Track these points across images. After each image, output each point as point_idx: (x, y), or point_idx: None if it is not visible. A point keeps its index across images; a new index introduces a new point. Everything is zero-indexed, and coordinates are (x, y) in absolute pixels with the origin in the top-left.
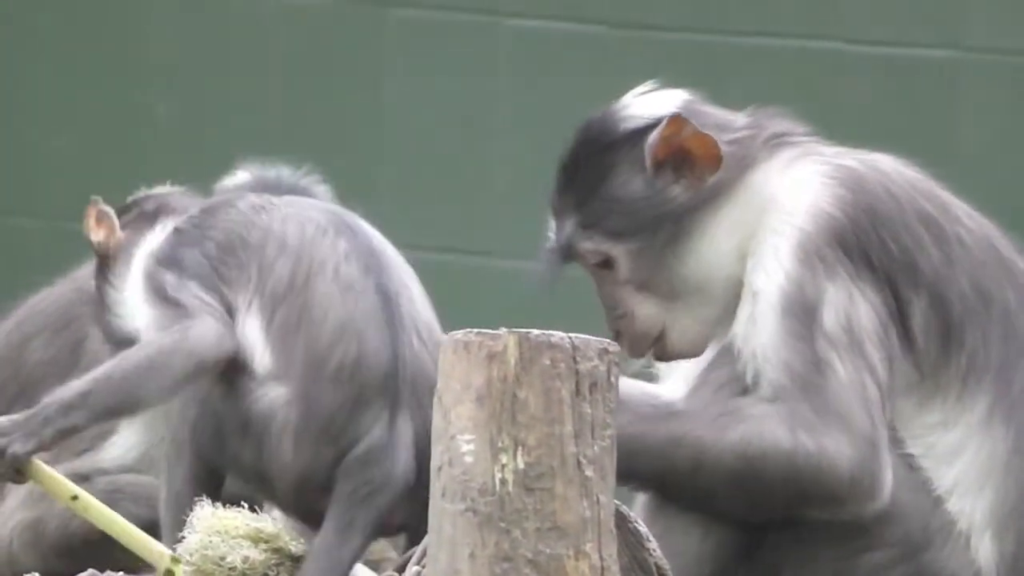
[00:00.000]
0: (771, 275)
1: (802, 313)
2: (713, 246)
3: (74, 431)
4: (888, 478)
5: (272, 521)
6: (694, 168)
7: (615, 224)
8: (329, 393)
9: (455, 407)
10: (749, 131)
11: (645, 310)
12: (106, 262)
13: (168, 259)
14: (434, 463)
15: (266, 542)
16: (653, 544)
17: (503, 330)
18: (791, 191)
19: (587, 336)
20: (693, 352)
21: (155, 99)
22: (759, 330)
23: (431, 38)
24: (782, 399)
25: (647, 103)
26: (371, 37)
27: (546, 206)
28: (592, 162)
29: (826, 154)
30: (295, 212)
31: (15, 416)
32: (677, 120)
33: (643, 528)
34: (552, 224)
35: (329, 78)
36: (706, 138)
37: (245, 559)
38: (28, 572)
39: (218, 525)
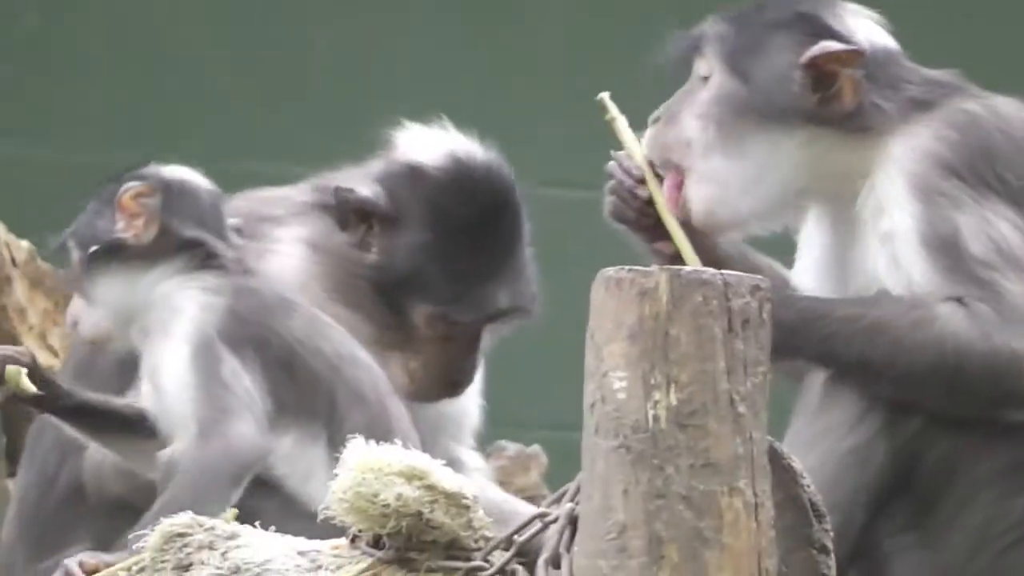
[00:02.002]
0: (896, 219)
1: (944, 248)
2: (790, 153)
3: None
4: None
5: (426, 458)
6: (830, 99)
7: (743, 63)
8: None
9: (607, 345)
10: (905, 104)
11: (690, 134)
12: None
13: (231, 340)
14: (587, 400)
15: (420, 479)
16: (807, 480)
17: (655, 267)
18: (898, 152)
19: (739, 273)
20: (707, 221)
21: (316, 35)
22: (908, 271)
23: None
24: (962, 301)
25: (861, 21)
26: None
27: None
28: (779, 13)
29: (950, 104)
30: (351, 352)
31: None
32: (857, 56)
33: (796, 464)
34: (711, 19)
35: (487, 11)
36: (859, 90)
37: (399, 496)
38: (112, 501)
39: (371, 462)
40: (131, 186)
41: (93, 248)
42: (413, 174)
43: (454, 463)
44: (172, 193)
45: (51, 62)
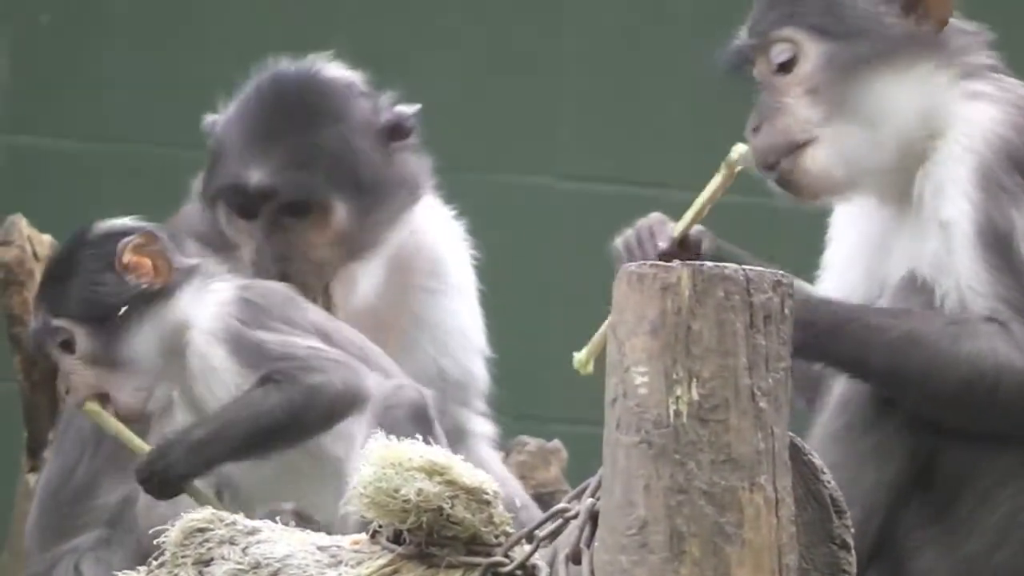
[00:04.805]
0: (957, 205)
1: (998, 245)
2: (900, 96)
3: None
4: None
5: (447, 453)
6: (924, 13)
7: (822, 19)
8: None
9: (629, 339)
10: (970, 41)
11: (805, 112)
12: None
13: (258, 322)
14: (608, 395)
15: (440, 474)
16: (827, 476)
17: (677, 262)
18: (972, 120)
19: (761, 268)
20: (815, 183)
21: (331, 36)
22: (957, 263)
23: None
24: (1002, 322)
25: None
26: None
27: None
28: None
29: (1010, 87)
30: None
31: (171, 438)
32: None
33: (817, 460)
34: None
35: (510, 6)
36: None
37: (419, 492)
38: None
39: (392, 457)
40: (128, 242)
41: (123, 309)
42: None
43: (461, 431)
44: (158, 233)
45: (70, 56)
